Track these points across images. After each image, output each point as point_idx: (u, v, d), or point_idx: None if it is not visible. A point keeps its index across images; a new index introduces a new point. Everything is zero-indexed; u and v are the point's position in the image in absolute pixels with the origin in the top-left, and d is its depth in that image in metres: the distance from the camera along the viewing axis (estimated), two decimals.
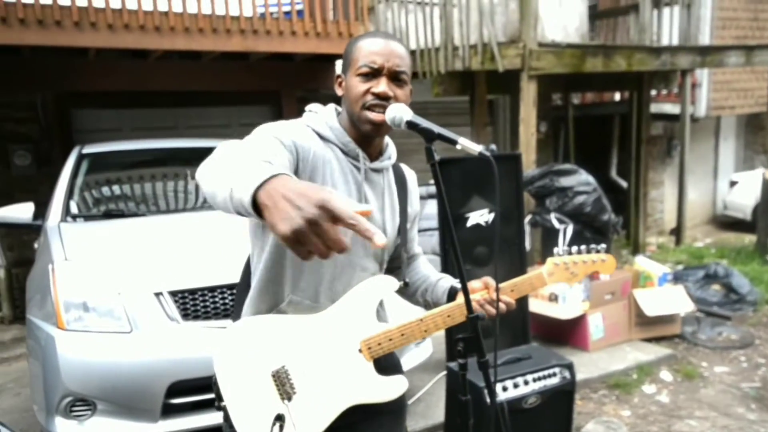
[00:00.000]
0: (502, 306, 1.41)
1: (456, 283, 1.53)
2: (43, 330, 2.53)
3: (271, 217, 0.84)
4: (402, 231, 1.50)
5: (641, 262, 4.64)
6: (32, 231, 3.62)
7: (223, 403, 1.27)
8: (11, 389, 3.82)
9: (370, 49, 1.31)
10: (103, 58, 5.01)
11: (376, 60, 1.29)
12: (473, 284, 1.46)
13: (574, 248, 1.60)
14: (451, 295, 1.51)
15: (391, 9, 5.72)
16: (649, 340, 4.21)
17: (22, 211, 3.44)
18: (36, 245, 3.52)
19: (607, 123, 8.71)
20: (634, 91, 7.12)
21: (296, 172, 1.27)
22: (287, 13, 5.02)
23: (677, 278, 4.95)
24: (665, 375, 3.77)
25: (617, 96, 9.00)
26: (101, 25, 4.26)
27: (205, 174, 1.05)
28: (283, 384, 1.28)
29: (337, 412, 1.32)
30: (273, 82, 5.82)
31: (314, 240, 0.81)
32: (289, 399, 1.28)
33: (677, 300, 4.29)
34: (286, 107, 5.93)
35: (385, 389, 1.38)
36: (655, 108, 7.91)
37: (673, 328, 4.34)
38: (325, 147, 1.34)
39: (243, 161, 0.99)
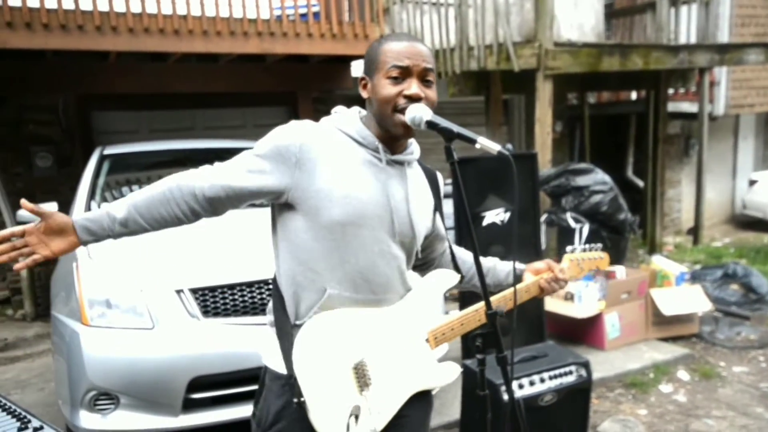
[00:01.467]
0: (563, 284, 1.61)
1: (519, 265, 1.63)
2: (68, 326, 2.60)
3: None
4: (439, 226, 1.55)
5: (658, 262, 4.62)
6: None
7: (302, 399, 1.27)
8: (35, 384, 3.91)
9: (398, 51, 1.32)
10: (123, 61, 5.10)
11: (405, 62, 1.31)
12: (536, 265, 1.62)
13: (579, 246, 1.79)
14: (517, 277, 1.59)
15: (406, 10, 5.75)
16: (666, 339, 4.19)
17: None
18: None
19: (623, 122, 8.65)
20: (651, 89, 7.07)
21: (295, 167, 1.30)
22: (303, 15, 5.07)
23: (695, 278, 4.92)
24: (682, 374, 3.74)
25: (633, 95, 8.94)
26: (122, 29, 4.33)
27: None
28: (362, 375, 1.33)
29: (406, 398, 1.41)
30: (289, 84, 5.87)
31: None
32: (366, 390, 1.33)
33: (695, 299, 4.26)
34: (302, 108, 5.98)
35: (444, 374, 1.49)
36: (672, 107, 7.85)
37: (690, 327, 4.31)
38: (345, 141, 1.37)
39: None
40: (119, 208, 1.29)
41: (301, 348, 1.30)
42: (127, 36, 4.37)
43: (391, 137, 1.38)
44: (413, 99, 1.31)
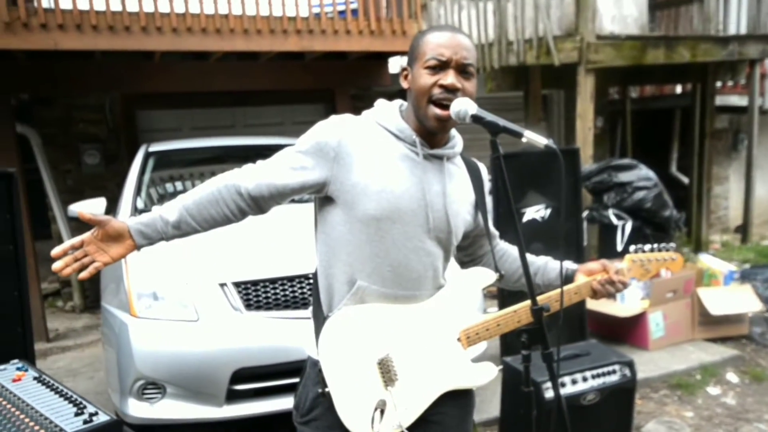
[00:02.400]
0: (620, 286, 1.51)
1: (570, 264, 1.56)
2: (117, 317, 2.69)
3: None
4: (484, 221, 1.51)
5: (705, 260, 4.47)
6: None
7: (327, 389, 1.29)
8: (85, 373, 4.05)
9: (438, 42, 1.31)
10: (166, 61, 5.22)
11: (444, 52, 1.30)
12: (590, 266, 1.54)
13: (648, 246, 1.68)
14: (567, 277, 1.53)
15: (444, 5, 5.71)
16: (713, 340, 4.06)
17: (95, 206, 3.63)
18: None
19: (667, 117, 8.40)
20: (698, 82, 6.84)
21: (333, 161, 1.32)
22: (342, 12, 5.10)
23: (744, 277, 4.74)
24: (731, 376, 3.62)
25: (678, 88, 8.66)
26: (166, 29, 4.44)
27: None
28: (387, 371, 1.32)
29: (435, 397, 1.39)
30: (327, 81, 5.91)
31: None
32: (392, 385, 1.32)
33: (744, 299, 4.12)
34: (340, 105, 6.01)
35: (478, 375, 1.46)
36: (720, 100, 7.57)
37: (739, 328, 4.16)
38: (383, 135, 1.37)
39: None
40: (171, 211, 1.32)
41: (326, 339, 1.31)
42: (171, 36, 4.47)
43: (429, 131, 1.37)
44: (449, 89, 1.30)
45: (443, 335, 1.41)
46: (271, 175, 1.35)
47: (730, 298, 4.09)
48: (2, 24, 3.98)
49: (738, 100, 7.97)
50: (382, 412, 1.30)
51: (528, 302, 1.39)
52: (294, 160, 1.35)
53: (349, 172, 1.32)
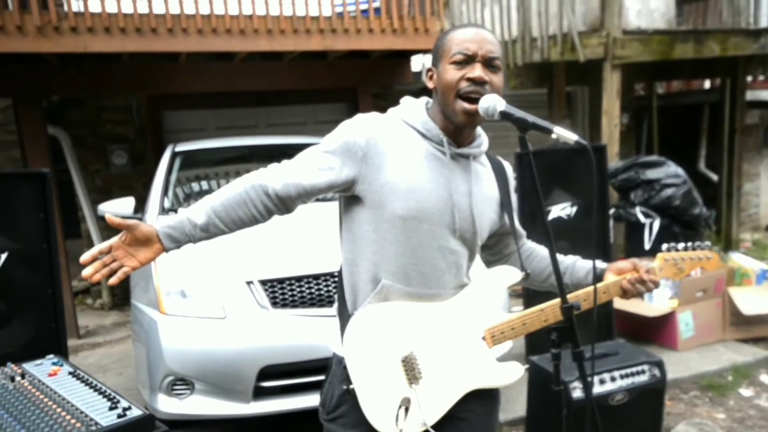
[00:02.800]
0: (651, 286, 1.48)
1: (599, 263, 1.53)
2: (147, 315, 2.74)
3: None
4: (510, 220, 1.50)
5: (737, 258, 4.37)
6: None
7: (351, 386, 1.30)
8: (114, 369, 4.13)
9: (463, 38, 1.31)
10: (192, 62, 5.29)
11: (470, 47, 1.30)
12: (620, 265, 1.52)
13: (681, 245, 1.72)
14: (597, 276, 1.50)
15: (466, 2, 5.67)
16: (746, 340, 3.96)
17: (124, 205, 3.69)
18: None
19: (695, 113, 8.23)
20: (728, 77, 6.68)
21: (361, 161, 1.32)
22: (364, 11, 5.10)
23: None
24: (765, 378, 3.54)
25: (707, 83, 8.48)
26: (191, 31, 4.50)
27: None
28: (411, 369, 1.32)
29: (460, 395, 1.38)
30: (349, 80, 5.93)
31: None
32: (416, 383, 1.32)
33: None
34: (362, 104, 6.02)
35: (504, 375, 1.44)
36: (750, 95, 7.39)
37: None
38: (410, 133, 1.37)
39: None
40: (198, 213, 1.31)
41: (350, 336, 1.32)
42: (196, 37, 4.53)
43: (455, 128, 1.36)
44: (476, 82, 1.29)
45: (468, 334, 1.40)
46: (298, 175, 1.34)
47: (763, 298, 3.99)
48: (34, 28, 4.08)
49: None
50: (406, 409, 1.30)
51: (555, 301, 1.38)
52: (322, 160, 1.34)
53: (378, 172, 1.32)
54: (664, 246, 1.62)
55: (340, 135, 1.35)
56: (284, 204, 1.37)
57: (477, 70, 1.29)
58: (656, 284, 1.49)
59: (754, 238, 7.44)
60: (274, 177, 1.35)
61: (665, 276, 1.57)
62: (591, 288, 1.41)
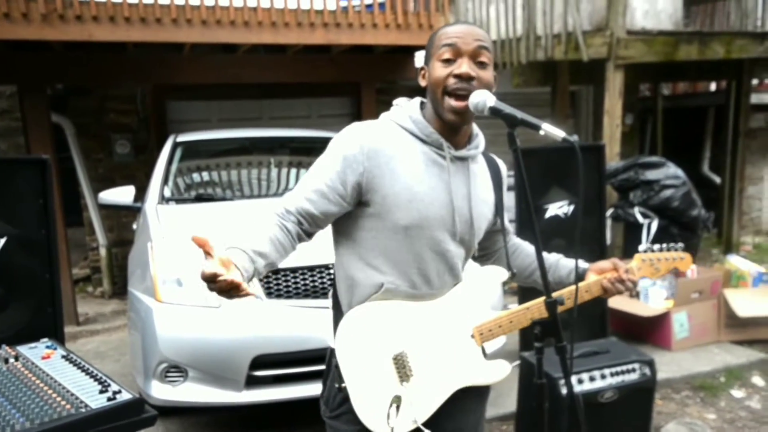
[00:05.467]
0: (630, 285, 1.51)
1: (581, 262, 1.53)
2: (143, 302, 2.76)
3: None
4: (500, 219, 1.51)
5: (734, 261, 4.37)
6: (131, 212, 3.94)
7: (343, 385, 1.32)
8: (112, 356, 4.18)
9: (451, 34, 1.31)
10: (196, 53, 5.31)
11: (456, 42, 1.29)
12: (601, 264, 1.53)
13: (656, 246, 1.72)
14: (579, 276, 1.50)
15: None
16: (740, 342, 3.97)
17: (124, 194, 3.74)
18: (135, 225, 3.82)
19: (700, 115, 8.20)
20: (733, 80, 6.67)
21: (362, 175, 1.30)
22: (369, 6, 5.11)
23: None
24: (757, 380, 3.55)
25: (713, 86, 8.44)
26: (196, 22, 4.52)
27: None
28: (402, 367, 1.34)
29: (449, 393, 1.40)
30: (353, 74, 5.93)
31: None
32: (407, 381, 1.34)
33: None
34: (365, 98, 6.03)
35: (492, 372, 1.46)
36: (755, 98, 7.36)
37: None
38: (408, 139, 1.36)
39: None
40: (262, 254, 1.22)
41: (342, 336, 1.33)
42: (200, 28, 4.55)
43: (450, 127, 1.36)
44: (463, 78, 1.28)
45: (457, 332, 1.42)
46: (314, 209, 1.31)
47: (758, 300, 3.99)
48: (39, 15, 4.10)
49: None
50: (398, 407, 1.31)
51: (540, 299, 1.40)
52: (331, 191, 1.31)
53: (380, 184, 1.31)
54: (641, 246, 1.64)
55: (340, 152, 1.33)
56: (309, 235, 1.34)
57: (463, 66, 1.29)
58: (635, 283, 1.52)
59: (756, 241, 7.43)
60: (295, 217, 1.31)
61: (643, 275, 1.61)
62: (572, 287, 1.43)
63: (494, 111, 1.28)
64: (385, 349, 1.34)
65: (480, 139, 1.46)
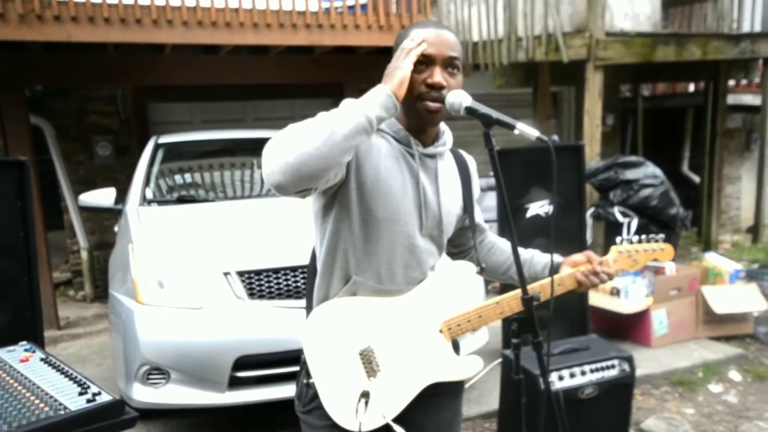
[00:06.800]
0: (605, 277, 1.50)
1: (556, 256, 1.53)
2: (124, 304, 2.75)
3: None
4: (469, 215, 1.52)
5: (711, 259, 4.46)
6: (113, 215, 3.92)
7: (311, 380, 1.32)
8: (93, 360, 4.14)
9: (424, 38, 1.30)
10: (177, 54, 5.28)
11: (429, 50, 1.30)
12: (575, 258, 1.52)
13: (635, 237, 1.66)
14: (553, 269, 1.51)
15: (453, 1, 5.72)
16: (717, 338, 4.05)
17: (105, 196, 3.70)
18: (116, 228, 3.79)
19: (679, 115, 8.34)
20: (710, 81, 6.79)
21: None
22: (351, 7, 5.12)
23: (751, 276, 4.70)
24: (734, 375, 3.62)
25: (691, 87, 8.58)
26: (177, 23, 4.49)
27: (289, 138, 1.23)
28: (369, 362, 1.34)
29: (419, 389, 1.39)
30: (336, 75, 5.94)
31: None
32: (374, 376, 1.34)
33: (749, 298, 4.10)
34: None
35: (463, 368, 1.45)
36: (733, 99, 7.50)
37: (744, 327, 4.15)
38: (378, 136, 1.37)
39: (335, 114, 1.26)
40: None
41: (309, 331, 1.34)
42: (181, 29, 4.52)
43: (419, 126, 1.38)
44: (435, 87, 1.30)
45: (425, 327, 1.41)
46: None
47: (735, 297, 4.07)
48: (16, 16, 4.05)
49: (752, 100, 7.90)
50: (366, 402, 1.31)
51: (510, 294, 1.42)
52: None
53: (356, 175, 1.32)
54: (618, 238, 1.64)
55: None
56: None
57: (437, 76, 1.30)
58: (610, 276, 1.50)
59: (734, 239, 7.56)
60: None
61: (620, 268, 1.59)
62: (547, 281, 1.44)
63: (470, 111, 1.30)
64: (352, 344, 1.34)
65: (447, 136, 1.48)
